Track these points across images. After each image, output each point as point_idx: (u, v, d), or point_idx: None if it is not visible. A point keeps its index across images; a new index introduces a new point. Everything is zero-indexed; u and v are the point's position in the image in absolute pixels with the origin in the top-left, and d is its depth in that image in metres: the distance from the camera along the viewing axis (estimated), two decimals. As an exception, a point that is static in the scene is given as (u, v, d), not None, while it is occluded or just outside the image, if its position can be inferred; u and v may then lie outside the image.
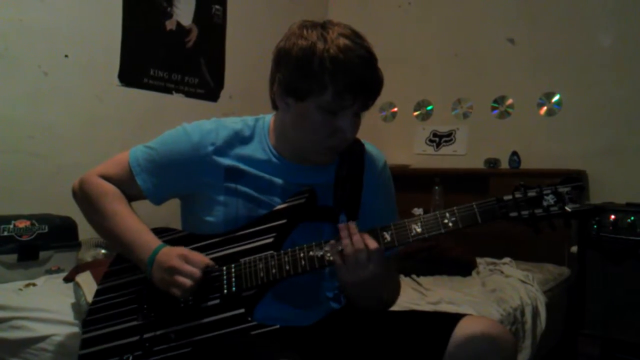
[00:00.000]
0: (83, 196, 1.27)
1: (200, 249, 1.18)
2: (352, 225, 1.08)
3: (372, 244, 1.06)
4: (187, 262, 1.10)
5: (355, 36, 1.12)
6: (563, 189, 1.03)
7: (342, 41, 1.08)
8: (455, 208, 1.07)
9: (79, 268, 1.87)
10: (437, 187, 3.18)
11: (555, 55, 3.17)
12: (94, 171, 1.27)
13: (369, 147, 1.32)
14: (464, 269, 2.58)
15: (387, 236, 1.08)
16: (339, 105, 1.10)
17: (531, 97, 3.26)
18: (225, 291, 1.12)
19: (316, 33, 1.10)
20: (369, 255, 1.05)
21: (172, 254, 1.12)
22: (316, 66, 1.07)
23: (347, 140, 1.16)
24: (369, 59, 1.11)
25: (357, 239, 1.06)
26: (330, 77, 1.07)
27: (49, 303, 1.64)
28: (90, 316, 1.22)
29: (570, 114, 3.13)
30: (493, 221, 1.06)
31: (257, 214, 1.19)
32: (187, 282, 1.08)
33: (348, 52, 1.07)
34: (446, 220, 1.07)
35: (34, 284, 1.90)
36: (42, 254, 2.10)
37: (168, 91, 2.96)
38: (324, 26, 1.12)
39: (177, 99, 3.01)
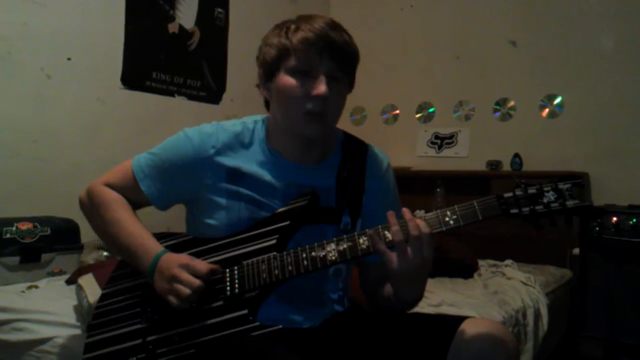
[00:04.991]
0: (89, 205, 1.28)
1: (203, 252, 1.18)
2: (407, 210, 1.07)
3: (425, 227, 1.05)
4: (189, 271, 1.09)
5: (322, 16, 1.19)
6: (563, 186, 1.04)
7: (305, 17, 1.18)
8: (456, 206, 1.07)
9: (81, 270, 1.87)
10: (438, 189, 3.18)
11: (557, 57, 3.18)
12: (99, 180, 1.29)
13: (373, 148, 1.33)
14: (466, 271, 2.58)
15: (389, 235, 1.07)
16: (305, 62, 1.13)
17: (533, 99, 3.26)
18: (229, 293, 1.13)
19: (286, 22, 1.20)
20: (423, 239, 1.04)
21: (174, 262, 1.11)
22: (282, 37, 1.16)
23: (323, 98, 1.13)
24: (330, 22, 1.16)
25: (413, 225, 1.05)
26: (291, 41, 1.14)
27: (51, 305, 1.64)
28: (94, 320, 1.23)
29: (572, 116, 3.13)
30: (494, 218, 1.06)
31: (259, 217, 1.19)
32: (185, 291, 1.07)
33: (308, 20, 1.16)
34: (447, 218, 1.07)
35: (36, 286, 1.91)
36: (44, 256, 2.10)
37: (170, 94, 2.97)
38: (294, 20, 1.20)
39: (180, 101, 3.01)
